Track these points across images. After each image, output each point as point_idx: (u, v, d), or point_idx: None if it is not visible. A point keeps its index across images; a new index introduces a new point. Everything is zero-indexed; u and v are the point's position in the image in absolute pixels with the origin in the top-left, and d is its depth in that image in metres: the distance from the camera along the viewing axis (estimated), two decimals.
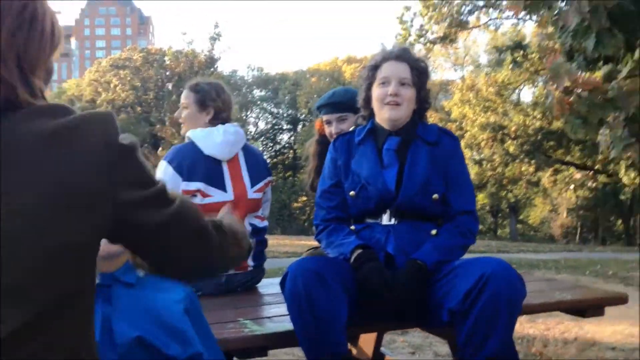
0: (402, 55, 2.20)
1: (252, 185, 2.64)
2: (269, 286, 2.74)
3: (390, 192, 2.10)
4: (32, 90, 0.88)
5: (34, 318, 0.83)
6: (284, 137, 39.69)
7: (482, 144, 25.62)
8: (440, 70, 32.96)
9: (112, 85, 31.18)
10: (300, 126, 38.02)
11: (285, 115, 39.73)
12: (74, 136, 0.87)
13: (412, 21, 18.56)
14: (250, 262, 2.60)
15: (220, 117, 2.65)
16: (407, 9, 18.47)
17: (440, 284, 1.94)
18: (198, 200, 2.52)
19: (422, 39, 18.44)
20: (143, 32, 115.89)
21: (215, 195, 2.52)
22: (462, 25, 18.74)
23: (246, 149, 2.70)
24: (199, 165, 2.51)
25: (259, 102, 39.56)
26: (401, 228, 2.09)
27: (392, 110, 2.14)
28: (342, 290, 1.85)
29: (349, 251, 2.04)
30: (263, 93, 39.56)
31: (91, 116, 0.91)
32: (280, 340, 2.00)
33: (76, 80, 40.48)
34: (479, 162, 26.74)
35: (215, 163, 2.56)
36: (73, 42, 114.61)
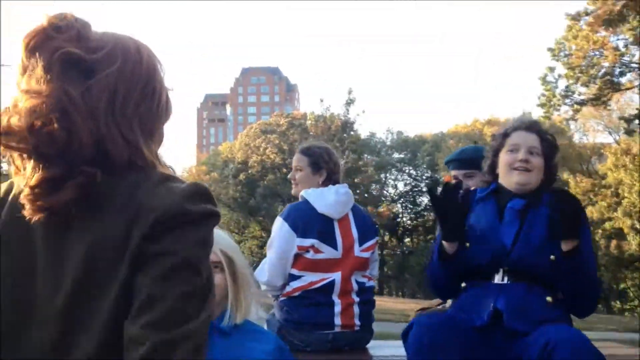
0: (533, 126, 2.26)
1: (360, 244, 2.70)
2: (377, 348, 2.71)
3: (505, 247, 2.07)
4: (150, 151, 1.04)
5: None
6: (424, 200, 39.28)
7: None
8: (592, 132, 31.00)
9: (261, 149, 33.23)
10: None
11: (424, 177, 39.50)
12: None
13: (556, 82, 17.79)
14: (357, 321, 2.61)
15: (331, 179, 2.77)
16: (551, 69, 17.78)
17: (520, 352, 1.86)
18: (310, 255, 2.61)
19: (567, 100, 17.56)
20: (289, 98, 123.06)
21: (326, 252, 2.63)
22: (615, 86, 17.58)
23: (355, 210, 2.79)
24: (313, 223, 2.63)
25: (397, 164, 39.80)
26: (514, 287, 2.04)
27: (521, 175, 2.15)
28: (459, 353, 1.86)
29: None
30: (402, 155, 39.77)
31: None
32: None
33: (230, 144, 43.76)
34: None
35: (328, 221, 2.66)
36: (228, 108, 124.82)
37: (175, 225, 0.93)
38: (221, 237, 1.71)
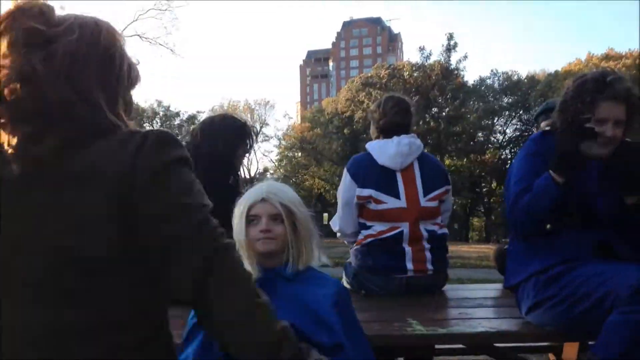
0: (623, 95, 2.06)
1: (426, 193, 2.74)
2: (451, 291, 2.85)
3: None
4: (115, 114, 1.14)
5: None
6: None
7: None
8: None
9: (364, 103, 32.99)
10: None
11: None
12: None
13: None
14: (429, 266, 2.68)
15: (388, 130, 2.83)
16: None
17: None
18: (373, 206, 2.71)
19: None
20: (392, 49, 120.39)
21: (389, 202, 2.71)
22: None
23: (422, 159, 2.81)
24: (372, 174, 2.73)
25: (507, 109, 37.96)
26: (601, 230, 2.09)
27: (601, 149, 2.07)
28: None
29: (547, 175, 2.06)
30: (511, 100, 37.85)
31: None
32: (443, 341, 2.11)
33: (332, 99, 43.93)
34: None
35: (389, 172, 2.74)
36: (330, 64, 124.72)
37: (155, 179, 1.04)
38: (282, 190, 1.81)
